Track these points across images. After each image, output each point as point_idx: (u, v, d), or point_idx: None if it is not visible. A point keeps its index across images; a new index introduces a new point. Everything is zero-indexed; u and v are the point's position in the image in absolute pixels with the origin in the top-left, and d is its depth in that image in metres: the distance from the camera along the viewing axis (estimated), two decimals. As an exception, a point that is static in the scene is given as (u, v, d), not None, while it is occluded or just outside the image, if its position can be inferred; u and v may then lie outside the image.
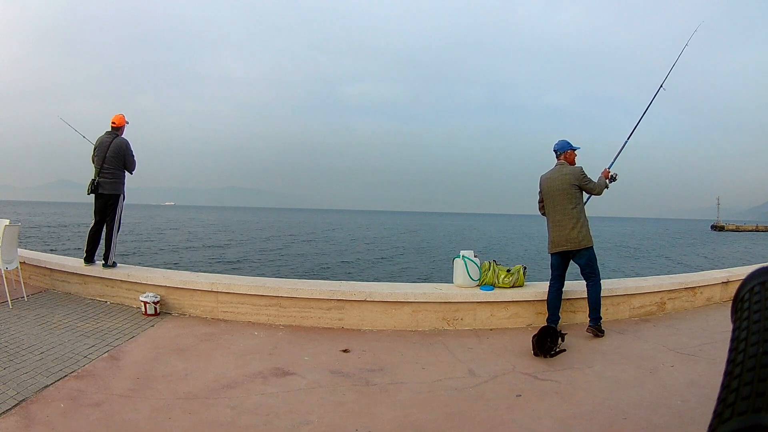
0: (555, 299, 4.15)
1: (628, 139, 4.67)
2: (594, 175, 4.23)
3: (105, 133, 5.07)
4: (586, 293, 4.12)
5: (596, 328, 3.98)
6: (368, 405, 2.76)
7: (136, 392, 2.81)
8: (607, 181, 4.27)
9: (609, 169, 4.33)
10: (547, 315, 4.16)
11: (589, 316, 4.05)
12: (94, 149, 5.00)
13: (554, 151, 4.31)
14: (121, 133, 5.10)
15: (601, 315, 4.05)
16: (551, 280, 4.22)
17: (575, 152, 4.30)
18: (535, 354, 3.51)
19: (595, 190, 4.20)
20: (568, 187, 4.12)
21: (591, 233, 4.13)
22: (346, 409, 2.71)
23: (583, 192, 4.20)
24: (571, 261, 4.18)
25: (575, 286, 4.35)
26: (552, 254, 4.21)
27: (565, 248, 4.10)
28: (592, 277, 4.07)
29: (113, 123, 5.11)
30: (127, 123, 5.18)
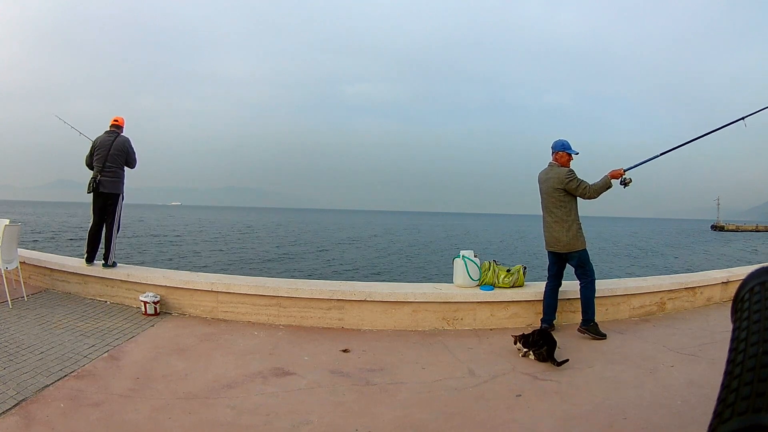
0: (548, 297, 4.14)
1: (666, 152, 4.22)
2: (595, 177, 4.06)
3: (104, 133, 5.08)
4: None
5: (588, 329, 3.93)
6: (368, 405, 2.76)
7: (136, 392, 2.81)
8: (617, 181, 3.98)
9: (624, 170, 3.99)
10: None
11: (581, 317, 4.03)
12: (95, 149, 4.98)
13: (551, 148, 4.22)
14: (121, 133, 5.13)
15: (594, 318, 3.97)
16: (547, 279, 4.23)
17: (571, 156, 4.13)
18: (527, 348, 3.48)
19: (587, 192, 3.95)
20: (553, 191, 4.03)
21: (583, 235, 4.05)
22: (346, 409, 2.71)
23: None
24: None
25: (574, 286, 4.32)
26: (547, 252, 4.23)
27: (554, 249, 4.10)
28: (584, 277, 4.04)
29: (116, 121, 5.15)
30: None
